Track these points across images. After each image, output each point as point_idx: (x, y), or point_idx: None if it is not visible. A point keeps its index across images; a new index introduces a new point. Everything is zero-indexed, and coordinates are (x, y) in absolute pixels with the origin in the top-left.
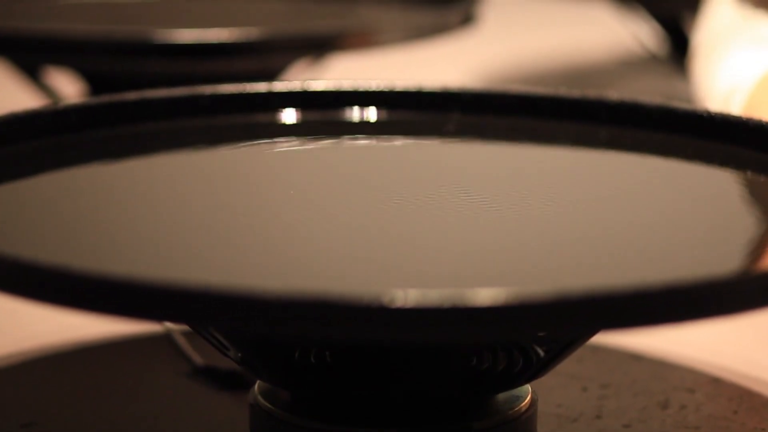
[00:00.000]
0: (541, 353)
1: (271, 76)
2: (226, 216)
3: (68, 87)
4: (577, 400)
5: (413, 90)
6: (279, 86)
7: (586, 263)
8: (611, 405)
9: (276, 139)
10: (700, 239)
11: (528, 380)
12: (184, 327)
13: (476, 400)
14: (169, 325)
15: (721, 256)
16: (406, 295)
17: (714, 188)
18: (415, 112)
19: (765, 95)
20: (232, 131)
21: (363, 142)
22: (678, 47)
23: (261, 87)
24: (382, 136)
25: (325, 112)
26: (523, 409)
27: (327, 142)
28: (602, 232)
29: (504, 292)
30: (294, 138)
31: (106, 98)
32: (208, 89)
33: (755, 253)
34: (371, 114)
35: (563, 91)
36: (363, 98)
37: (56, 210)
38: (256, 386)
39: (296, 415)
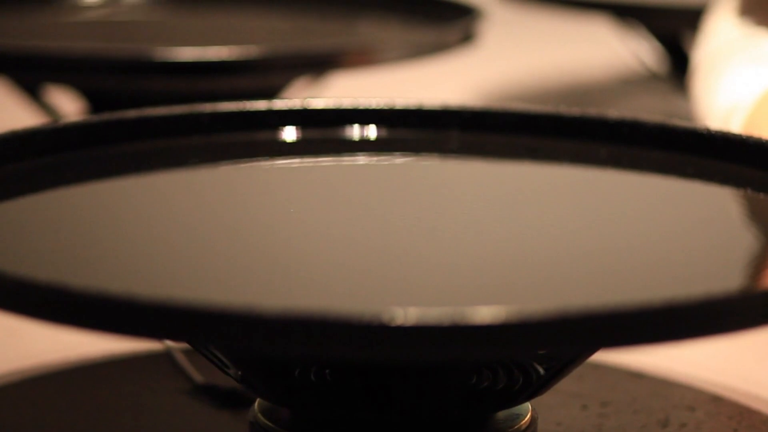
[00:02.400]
0: (542, 371)
1: (271, 94)
2: (226, 234)
3: (68, 105)
4: (577, 418)
5: (413, 108)
6: (279, 104)
7: (587, 281)
8: (611, 423)
9: (276, 157)
10: (700, 257)
11: (528, 398)
12: (184, 345)
13: (476, 419)
14: (169, 343)
15: (721, 275)
16: (406, 314)
17: (714, 206)
18: (415, 130)
19: (765, 113)
20: (232, 149)
21: (363, 160)
22: (678, 65)
23: (261, 105)
24: (382, 154)
25: (325, 130)
26: (524, 427)
27: (327, 160)
28: (602, 250)
29: (504, 310)
30: (294, 156)
31: (106, 116)
32: (208, 107)
33: (756, 272)
34: (371, 132)
35: (563, 109)
36: (363, 116)
37: (56, 228)
38: (256, 404)
39: None
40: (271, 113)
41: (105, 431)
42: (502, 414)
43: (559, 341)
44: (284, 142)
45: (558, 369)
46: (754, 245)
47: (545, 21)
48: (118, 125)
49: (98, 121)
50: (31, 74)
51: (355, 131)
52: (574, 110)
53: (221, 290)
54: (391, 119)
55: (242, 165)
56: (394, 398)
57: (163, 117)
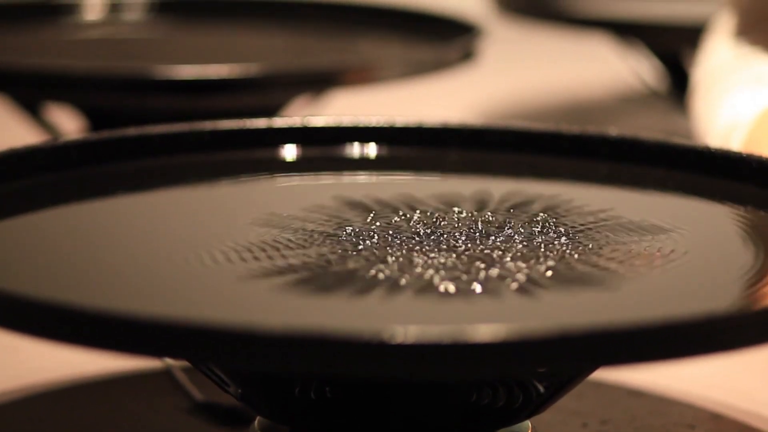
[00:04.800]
0: (541, 389)
1: (271, 111)
2: (226, 252)
3: (68, 123)
4: None
5: (413, 126)
6: (279, 122)
7: (586, 299)
8: None
9: (276, 175)
10: (700, 275)
11: (528, 416)
12: (184, 363)
13: None
14: (169, 360)
15: (721, 292)
16: (406, 332)
17: (714, 224)
18: (415, 148)
19: (764, 132)
20: (232, 167)
21: (363, 178)
22: (678, 83)
23: (261, 123)
24: (382, 172)
25: (325, 148)
26: None
27: (327, 178)
28: (602, 268)
29: (504, 328)
30: (294, 174)
31: (106, 134)
32: (208, 125)
33: (755, 290)
34: (371, 150)
35: (563, 126)
36: (363, 134)
37: (56, 246)
38: (256, 422)
39: None
40: (271, 131)
41: None
42: None
43: (559, 359)
44: (284, 160)
45: (558, 387)
46: (753, 263)
47: (545, 39)
48: (118, 143)
49: (98, 139)
50: (31, 92)
51: (355, 149)
52: (575, 128)
53: (221, 308)
54: (391, 137)
55: (242, 183)
56: (394, 416)
57: (163, 135)
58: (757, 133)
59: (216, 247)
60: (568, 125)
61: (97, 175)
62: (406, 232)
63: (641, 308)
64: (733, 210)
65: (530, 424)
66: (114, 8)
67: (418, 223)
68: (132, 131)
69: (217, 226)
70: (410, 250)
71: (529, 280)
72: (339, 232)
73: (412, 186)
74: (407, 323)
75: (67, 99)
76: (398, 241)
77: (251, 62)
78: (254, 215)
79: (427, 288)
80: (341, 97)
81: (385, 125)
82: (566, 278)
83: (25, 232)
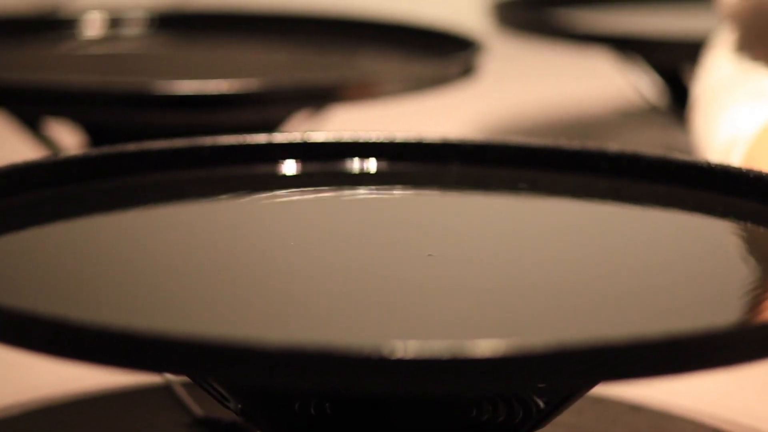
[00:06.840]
0: (541, 404)
1: (271, 127)
2: (226, 267)
3: (68, 138)
4: None
5: (413, 141)
6: (279, 137)
7: (586, 315)
8: None
9: (276, 191)
10: (700, 290)
11: (528, 431)
12: (184, 378)
13: None
14: (168, 376)
15: (721, 308)
16: (406, 347)
17: (714, 239)
18: (415, 164)
19: (764, 147)
20: (232, 182)
21: (363, 193)
22: (678, 98)
23: (261, 138)
24: (382, 188)
25: (325, 164)
26: None
27: (327, 194)
28: (602, 284)
29: (504, 344)
30: (294, 189)
31: (105, 149)
32: (208, 140)
33: (755, 305)
34: (371, 165)
35: (563, 142)
36: (363, 149)
37: (55, 261)
38: None
39: None
40: (271, 146)
41: None
42: None
43: (559, 374)
44: (284, 176)
45: (558, 402)
46: (753, 278)
47: (545, 54)
48: (118, 158)
49: (98, 155)
50: (31, 107)
51: (355, 164)
52: (574, 143)
53: (221, 324)
54: (391, 152)
55: (242, 198)
56: (394, 431)
57: (163, 150)
58: (757, 148)
59: (216, 263)
60: (568, 140)
61: (96, 190)
62: (407, 243)
63: (641, 323)
64: (733, 225)
65: None
66: (114, 23)
67: (418, 236)
68: (132, 147)
69: (217, 242)
70: (407, 263)
71: (529, 292)
72: (334, 245)
73: (413, 200)
74: (407, 337)
75: (67, 114)
76: (398, 251)
77: (251, 77)
78: (253, 230)
79: (425, 300)
80: (341, 113)
81: (385, 140)
82: (565, 292)
83: (25, 248)
